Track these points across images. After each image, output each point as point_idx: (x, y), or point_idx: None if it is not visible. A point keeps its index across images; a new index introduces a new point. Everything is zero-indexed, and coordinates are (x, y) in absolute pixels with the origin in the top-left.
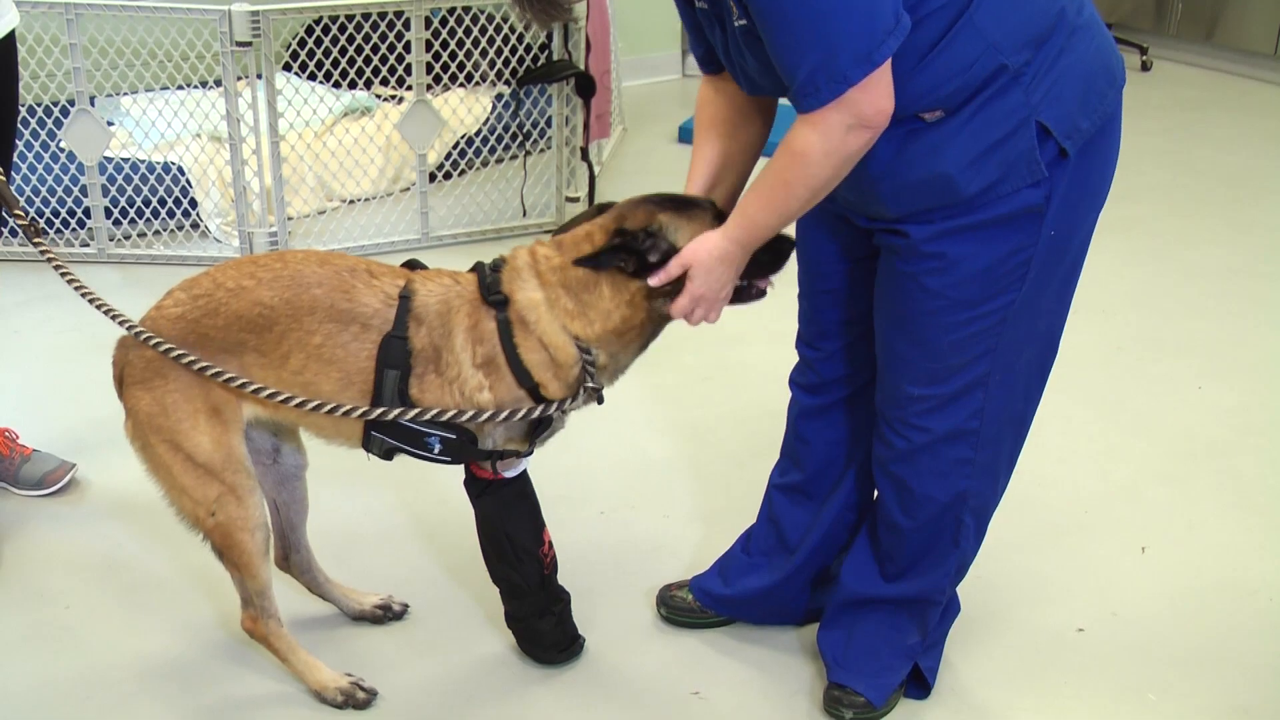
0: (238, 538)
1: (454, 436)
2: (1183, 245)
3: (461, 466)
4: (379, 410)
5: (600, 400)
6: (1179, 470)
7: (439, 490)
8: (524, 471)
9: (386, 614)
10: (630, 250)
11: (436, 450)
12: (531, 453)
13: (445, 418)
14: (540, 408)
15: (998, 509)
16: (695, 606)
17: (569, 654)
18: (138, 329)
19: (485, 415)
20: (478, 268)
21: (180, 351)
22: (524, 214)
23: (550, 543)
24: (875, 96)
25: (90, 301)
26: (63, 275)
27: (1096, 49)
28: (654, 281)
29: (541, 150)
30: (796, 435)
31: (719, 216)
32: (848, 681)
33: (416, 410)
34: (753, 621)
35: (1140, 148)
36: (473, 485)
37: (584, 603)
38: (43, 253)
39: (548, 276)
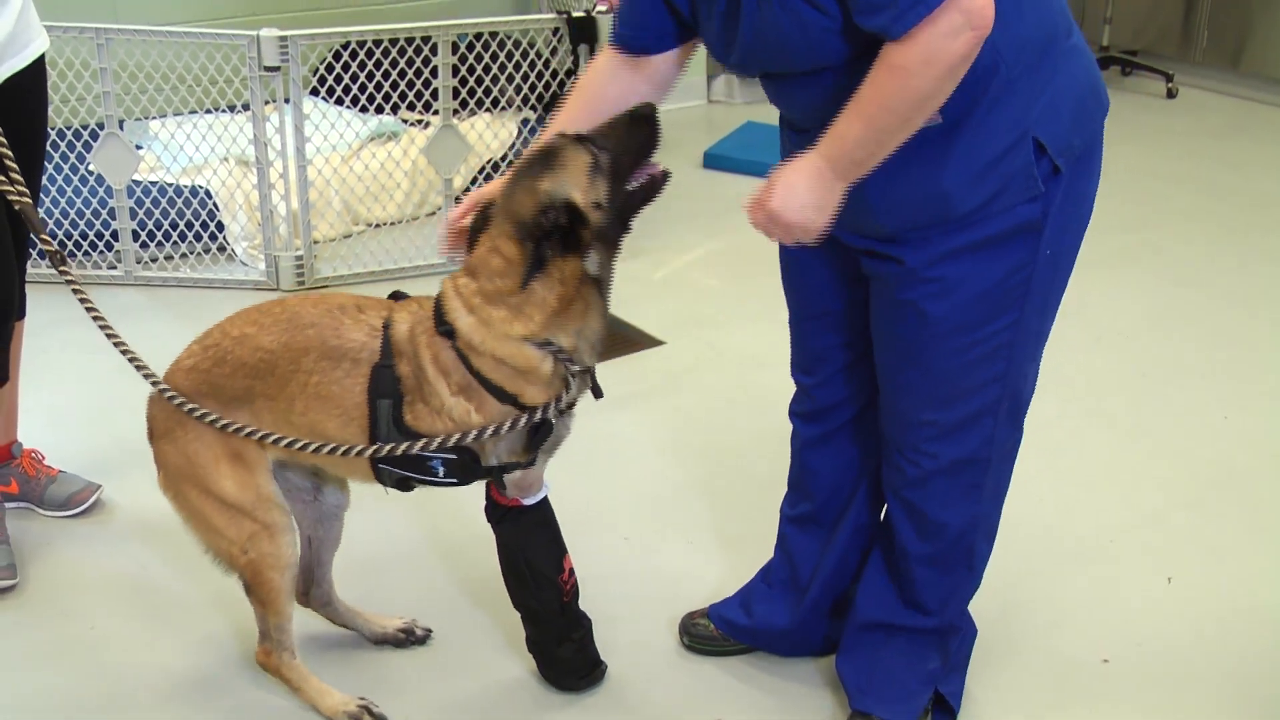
0: (267, 575)
1: (455, 458)
2: (1208, 271)
3: (483, 493)
4: (373, 447)
5: (598, 393)
6: (1204, 498)
7: (460, 514)
8: (545, 499)
9: (409, 638)
10: (546, 237)
11: (441, 474)
12: (534, 463)
13: (436, 444)
14: (528, 415)
15: (1023, 536)
16: (717, 635)
17: (590, 680)
18: (154, 378)
19: (473, 434)
20: (439, 295)
21: (191, 405)
22: None
23: (571, 570)
24: None
25: (116, 346)
26: (93, 317)
27: (1086, 70)
28: (747, 207)
29: None
30: (802, 466)
31: (578, 140)
32: (871, 709)
33: (408, 443)
34: (774, 653)
35: (1165, 174)
36: (493, 511)
37: (606, 629)
38: (71, 286)
39: (471, 301)
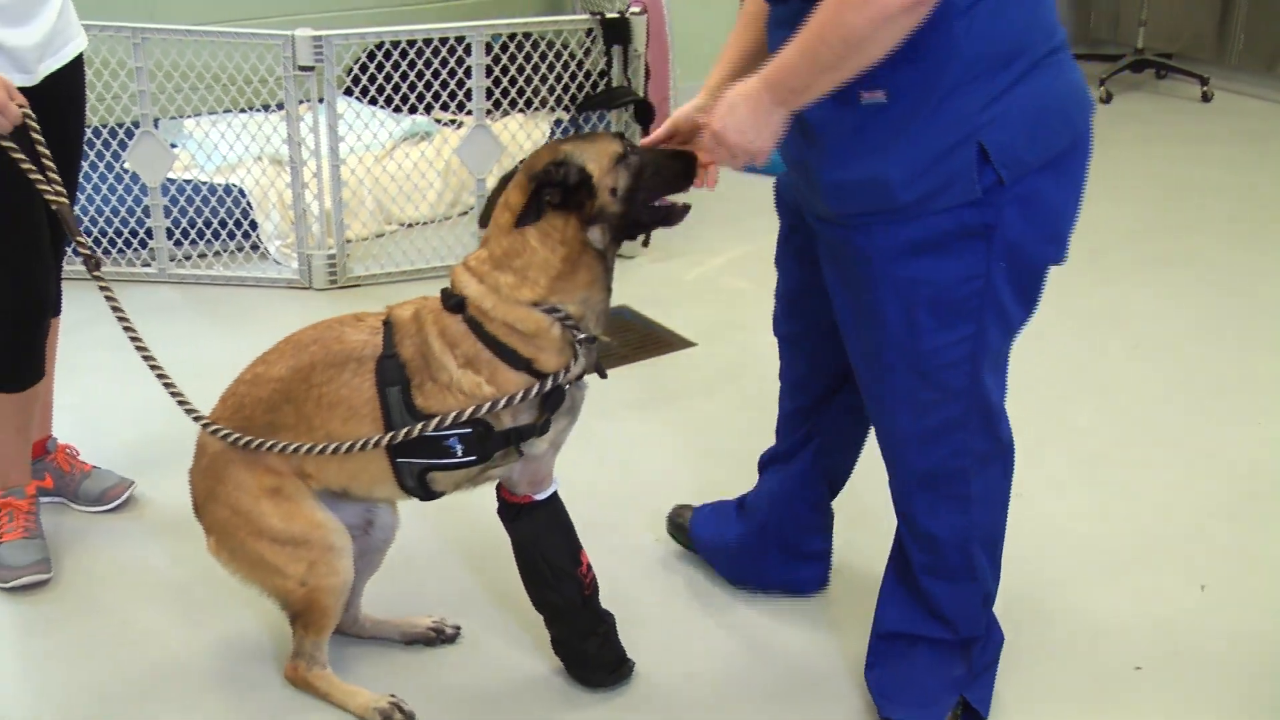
0: (324, 603)
1: (470, 431)
2: (1244, 278)
3: (495, 495)
4: (389, 435)
5: (602, 374)
6: (1240, 508)
7: (479, 521)
8: (555, 494)
9: (439, 636)
10: (549, 185)
11: (460, 451)
12: (548, 428)
13: (450, 420)
14: (539, 384)
15: (1057, 543)
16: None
17: (618, 676)
18: (190, 408)
19: (487, 405)
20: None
21: (226, 430)
22: None
23: (588, 565)
24: None
25: (153, 370)
26: (131, 337)
27: (1060, 90)
28: (700, 119)
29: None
30: (779, 399)
31: (619, 135)
32: (899, 716)
33: (422, 423)
34: (723, 574)
35: (1200, 179)
36: (506, 511)
37: (636, 630)
38: (105, 295)
39: (479, 269)
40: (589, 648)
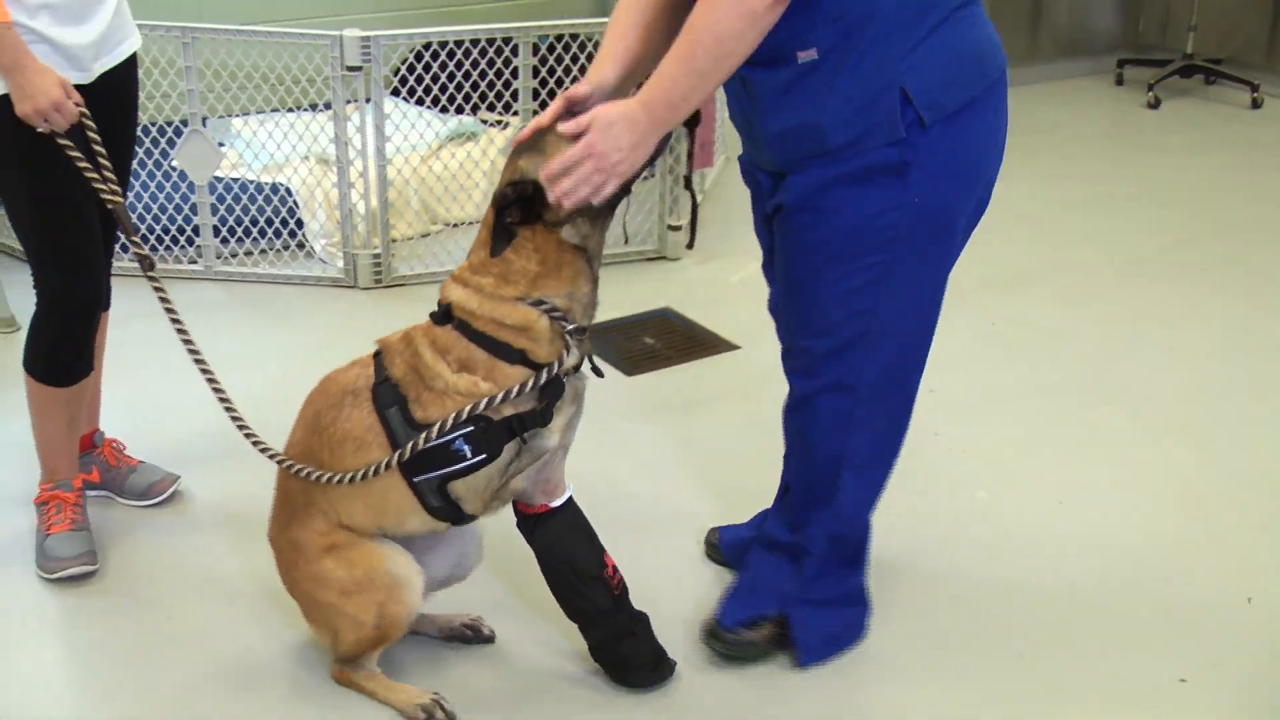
0: (392, 635)
1: (473, 428)
2: None
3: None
4: (395, 453)
5: (599, 373)
6: None
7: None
8: (570, 499)
9: (476, 635)
10: (507, 207)
11: (469, 452)
12: (551, 419)
13: (451, 422)
14: (535, 376)
15: (1098, 553)
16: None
17: (659, 675)
18: (253, 436)
19: (484, 401)
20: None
21: (289, 460)
22: (625, 240)
23: (614, 566)
24: None
25: (216, 394)
26: (190, 352)
27: (973, 40)
28: (563, 127)
29: (645, 178)
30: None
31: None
32: (718, 612)
33: (424, 432)
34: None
35: (1248, 186)
36: (525, 523)
37: (678, 630)
38: (161, 297)
39: (462, 275)
40: (627, 649)
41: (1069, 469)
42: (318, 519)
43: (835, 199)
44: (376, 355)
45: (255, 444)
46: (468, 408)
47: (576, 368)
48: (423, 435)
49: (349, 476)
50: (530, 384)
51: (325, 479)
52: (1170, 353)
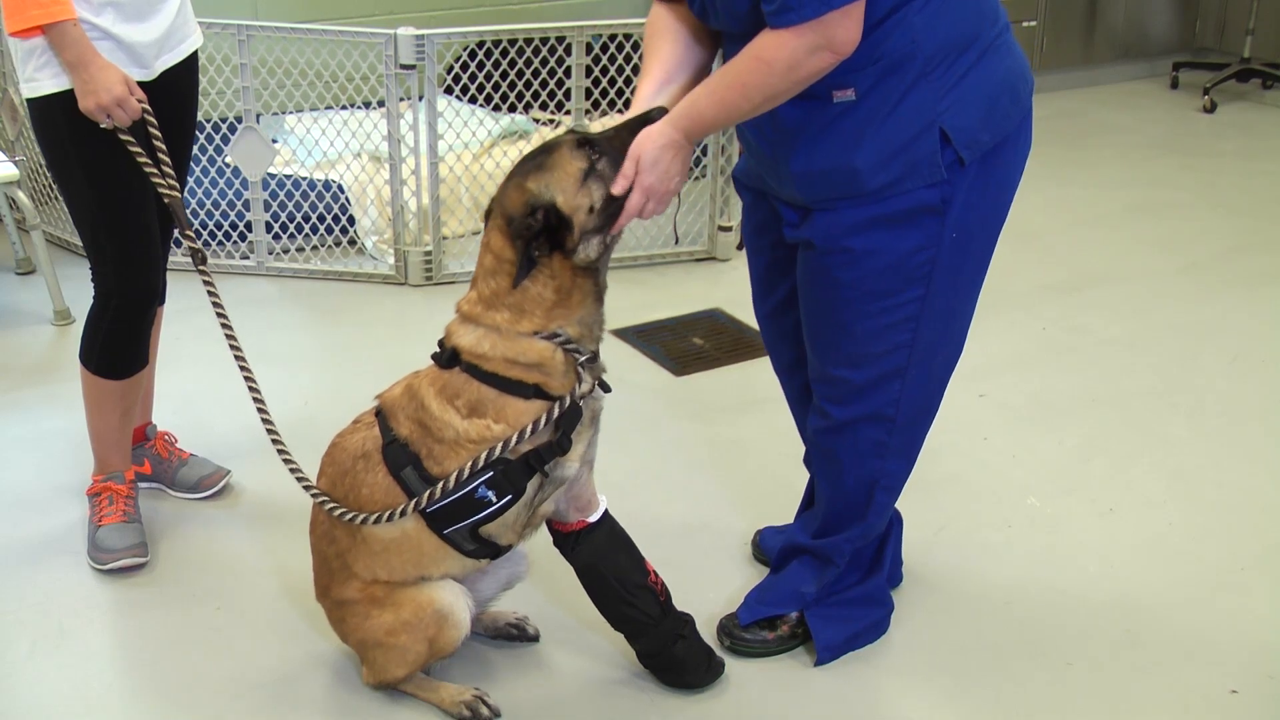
0: (444, 654)
1: (492, 473)
2: None
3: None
4: (412, 501)
5: (606, 388)
6: None
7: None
8: (606, 511)
9: (521, 634)
10: (533, 235)
11: (494, 497)
12: (569, 448)
13: (468, 471)
14: (547, 411)
15: (1149, 563)
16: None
17: (712, 673)
18: (291, 462)
19: (500, 445)
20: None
21: (324, 497)
22: (676, 241)
23: (655, 571)
24: (850, 24)
25: (265, 424)
26: (240, 366)
27: (1006, 70)
28: (616, 189)
29: (696, 178)
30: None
31: (579, 143)
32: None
33: (440, 483)
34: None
35: None
36: (564, 542)
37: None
38: (210, 293)
39: (472, 312)
40: (679, 651)
41: (1122, 477)
42: (354, 580)
43: (871, 240)
44: (378, 413)
45: (292, 471)
46: (483, 454)
47: (590, 391)
48: (439, 486)
49: (374, 517)
50: (541, 421)
51: (349, 518)
52: (1224, 361)
